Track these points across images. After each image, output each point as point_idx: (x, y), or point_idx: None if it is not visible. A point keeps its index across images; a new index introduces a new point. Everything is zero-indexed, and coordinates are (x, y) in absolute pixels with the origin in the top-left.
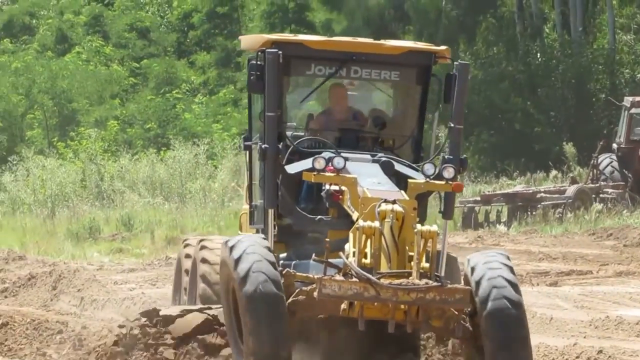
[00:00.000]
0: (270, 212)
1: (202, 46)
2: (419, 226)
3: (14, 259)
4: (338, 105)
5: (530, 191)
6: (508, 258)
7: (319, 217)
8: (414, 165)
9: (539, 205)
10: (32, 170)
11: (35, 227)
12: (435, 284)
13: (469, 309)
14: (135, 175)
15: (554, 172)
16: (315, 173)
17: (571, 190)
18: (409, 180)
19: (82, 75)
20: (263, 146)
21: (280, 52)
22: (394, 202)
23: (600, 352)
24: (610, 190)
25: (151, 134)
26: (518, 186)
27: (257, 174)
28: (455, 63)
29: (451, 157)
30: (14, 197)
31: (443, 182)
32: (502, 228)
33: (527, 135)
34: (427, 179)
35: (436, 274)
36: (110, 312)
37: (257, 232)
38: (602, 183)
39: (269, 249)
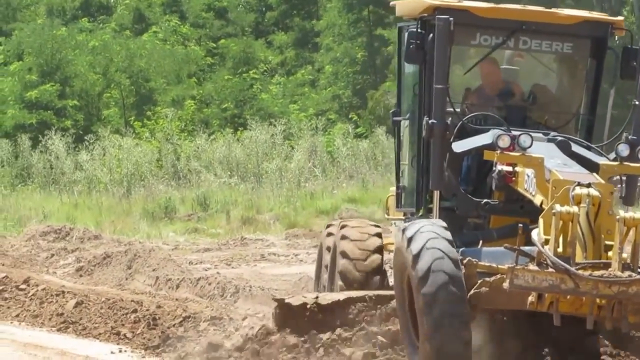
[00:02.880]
0: (436, 194)
1: (279, 26)
2: (621, 212)
3: (89, 238)
4: (493, 81)
5: None
6: None
7: (485, 200)
8: (592, 145)
9: None
10: (109, 150)
11: (111, 206)
12: (638, 276)
13: None
14: (211, 155)
15: None
16: (498, 152)
17: None
18: (602, 163)
19: (159, 54)
20: (430, 122)
21: (451, 19)
22: (588, 185)
23: None
24: None
25: (228, 113)
26: None
27: (407, 152)
28: None
29: (635, 137)
30: (90, 176)
31: (639, 165)
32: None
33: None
34: (621, 161)
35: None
36: (185, 292)
37: (404, 215)
38: None
39: (450, 242)
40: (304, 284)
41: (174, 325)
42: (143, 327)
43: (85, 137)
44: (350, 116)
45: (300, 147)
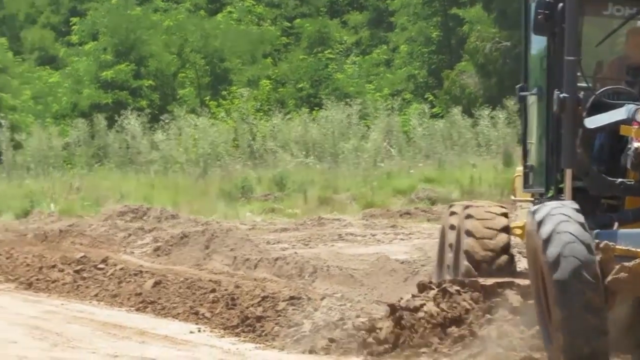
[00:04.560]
0: (568, 173)
1: (354, 6)
2: None
3: (166, 218)
4: (637, 52)
5: None
6: None
7: (619, 180)
8: None
9: None
10: (184, 129)
11: (188, 186)
12: None
13: None
14: (287, 134)
15: None
16: (636, 127)
17: None
18: None
19: (234, 34)
20: (561, 95)
21: None
22: None
23: None
24: None
25: (303, 93)
26: None
27: (534, 129)
28: None
29: None
30: (166, 156)
31: None
32: None
33: None
34: None
35: None
36: (263, 272)
37: (533, 196)
38: None
39: (583, 225)
40: (382, 264)
41: (252, 305)
42: (222, 307)
43: (161, 117)
44: (425, 96)
45: (376, 127)
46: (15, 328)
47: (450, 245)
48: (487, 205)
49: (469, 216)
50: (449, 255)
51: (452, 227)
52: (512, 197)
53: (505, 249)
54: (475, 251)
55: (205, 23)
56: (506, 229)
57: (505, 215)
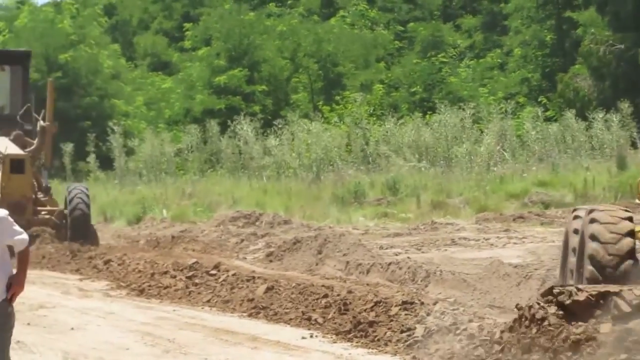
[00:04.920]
0: None
1: (467, 10)
2: None
3: (279, 223)
4: None
5: None
6: None
7: None
8: None
9: None
10: (297, 134)
11: (300, 191)
12: None
13: None
14: (400, 139)
15: None
16: None
17: None
18: None
19: (347, 39)
20: None
21: None
22: None
23: None
24: None
25: (416, 97)
26: None
27: None
28: None
29: None
30: (279, 161)
31: None
32: None
33: None
34: None
35: None
36: (376, 277)
37: None
38: None
39: None
40: (495, 268)
41: (365, 310)
42: (334, 312)
43: (274, 122)
44: (539, 99)
45: (489, 131)
46: (128, 334)
47: (574, 250)
48: (611, 209)
49: (593, 220)
50: (572, 260)
51: (576, 231)
52: (637, 201)
53: (631, 253)
54: (600, 255)
55: (318, 27)
56: (631, 234)
57: (630, 219)
